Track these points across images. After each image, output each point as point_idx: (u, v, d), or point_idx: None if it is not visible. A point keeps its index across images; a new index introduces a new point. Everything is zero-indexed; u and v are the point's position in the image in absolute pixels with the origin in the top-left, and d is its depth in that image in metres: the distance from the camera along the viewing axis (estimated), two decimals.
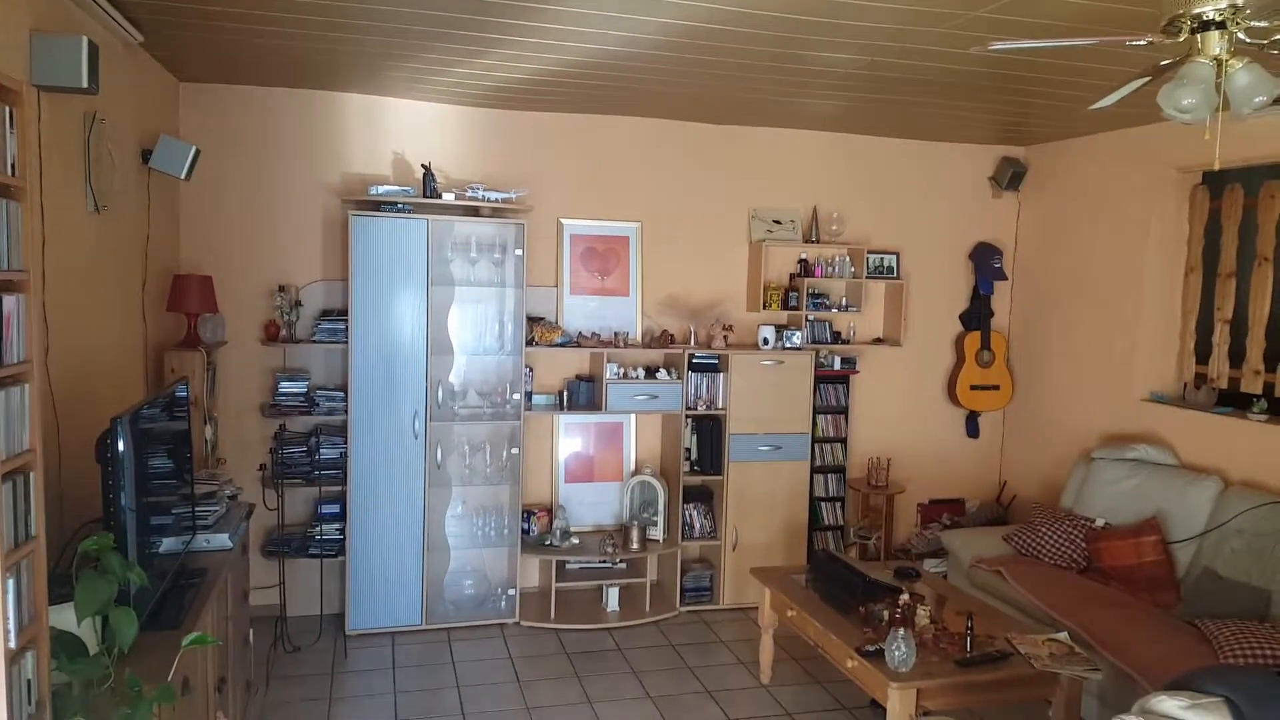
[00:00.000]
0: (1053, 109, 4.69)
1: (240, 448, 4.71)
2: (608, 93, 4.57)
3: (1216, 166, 2.67)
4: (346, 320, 4.55)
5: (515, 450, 4.88)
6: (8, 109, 1.76)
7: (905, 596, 3.62)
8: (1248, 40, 2.30)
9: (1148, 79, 2.63)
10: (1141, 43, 2.45)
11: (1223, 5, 2.22)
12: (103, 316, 3.38)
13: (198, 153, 3.92)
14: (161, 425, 2.96)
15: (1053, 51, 3.45)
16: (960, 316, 5.90)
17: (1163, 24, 2.35)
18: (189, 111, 4.62)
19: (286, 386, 4.66)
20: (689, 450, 5.17)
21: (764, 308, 5.37)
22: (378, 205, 4.58)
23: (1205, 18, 2.25)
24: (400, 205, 4.58)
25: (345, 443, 4.59)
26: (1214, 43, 2.27)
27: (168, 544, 2.86)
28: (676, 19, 3.25)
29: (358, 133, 4.86)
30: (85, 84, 2.75)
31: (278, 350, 4.76)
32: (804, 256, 5.50)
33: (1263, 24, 2.27)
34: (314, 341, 4.69)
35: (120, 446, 2.40)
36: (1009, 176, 5.75)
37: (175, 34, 3.67)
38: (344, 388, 4.65)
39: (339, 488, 4.63)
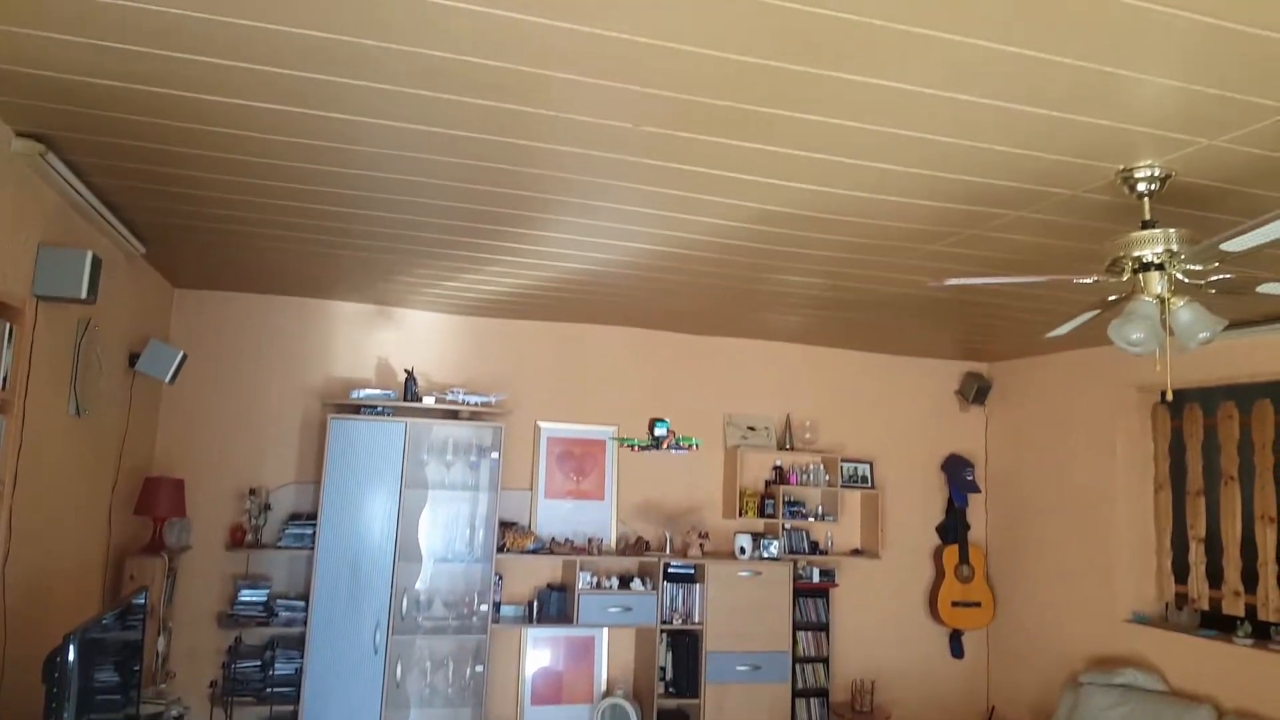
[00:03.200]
0: (1011, 330, 4.94)
1: (192, 660, 4.43)
2: (586, 304, 4.79)
3: (1169, 396, 2.78)
4: (315, 524, 4.45)
5: (480, 668, 4.62)
6: (8, 325, 1.81)
7: None
8: (1186, 281, 2.48)
9: (1098, 311, 2.81)
10: (1089, 281, 2.64)
11: (1159, 250, 2.42)
12: (68, 520, 3.27)
13: (184, 358, 3.97)
14: (114, 636, 2.79)
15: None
16: (937, 529, 5.87)
17: (1106, 264, 2.55)
18: (180, 316, 4.75)
19: (246, 595, 4.46)
20: (664, 670, 4.92)
21: (740, 514, 5.32)
22: (358, 408, 4.62)
23: (1145, 260, 2.45)
24: (380, 409, 4.62)
25: (302, 657, 4.34)
26: (1155, 282, 2.44)
27: None
28: (651, 244, 3.48)
29: (344, 338, 5.00)
30: (84, 295, 2.83)
31: (241, 556, 4.60)
32: (779, 463, 5.54)
33: (1198, 267, 2.47)
34: (279, 547, 4.55)
35: (69, 665, 2.25)
36: (974, 391, 5.94)
37: (177, 245, 3.84)
38: (306, 596, 4.45)
39: (291, 707, 4.31)
